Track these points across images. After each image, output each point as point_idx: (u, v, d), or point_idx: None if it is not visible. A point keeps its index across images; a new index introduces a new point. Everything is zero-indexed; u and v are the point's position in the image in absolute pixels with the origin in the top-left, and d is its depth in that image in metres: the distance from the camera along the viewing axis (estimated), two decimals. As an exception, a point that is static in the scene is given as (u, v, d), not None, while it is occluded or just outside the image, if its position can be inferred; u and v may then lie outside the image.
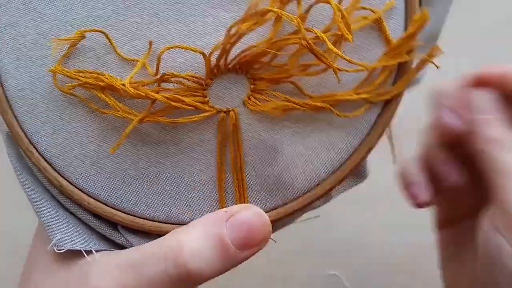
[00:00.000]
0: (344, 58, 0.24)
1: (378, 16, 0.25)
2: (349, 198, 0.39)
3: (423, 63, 0.25)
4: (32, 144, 0.26)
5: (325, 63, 0.24)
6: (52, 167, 0.26)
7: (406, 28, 0.26)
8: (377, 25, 0.25)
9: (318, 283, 0.44)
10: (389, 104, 0.26)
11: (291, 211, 0.27)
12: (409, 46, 0.25)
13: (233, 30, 0.24)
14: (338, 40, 0.24)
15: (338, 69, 0.24)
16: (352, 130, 0.26)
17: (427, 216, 0.43)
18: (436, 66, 0.26)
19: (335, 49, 0.23)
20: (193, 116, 0.25)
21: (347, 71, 0.25)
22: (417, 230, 0.44)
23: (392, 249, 0.44)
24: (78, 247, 0.26)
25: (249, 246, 0.25)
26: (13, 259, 0.41)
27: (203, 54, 0.25)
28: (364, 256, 0.44)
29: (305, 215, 0.29)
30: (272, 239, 0.28)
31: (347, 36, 0.23)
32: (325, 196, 0.27)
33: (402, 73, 0.26)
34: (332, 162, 0.27)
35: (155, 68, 0.25)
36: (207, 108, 0.25)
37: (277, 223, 0.27)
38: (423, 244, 0.43)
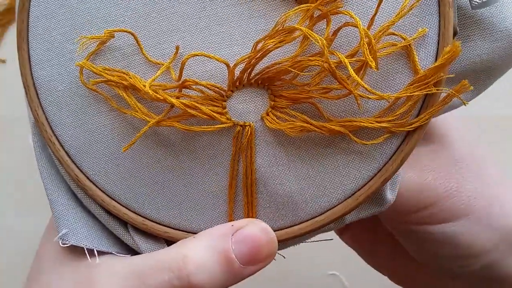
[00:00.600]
0: (363, 86, 0.23)
1: (408, 43, 0.24)
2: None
3: (449, 97, 0.24)
4: (54, 134, 0.26)
5: (346, 88, 0.24)
6: (71, 160, 0.27)
7: (436, 59, 0.25)
8: (407, 53, 0.25)
9: (318, 283, 0.44)
10: (410, 136, 0.25)
11: (300, 233, 0.26)
12: (437, 77, 0.24)
13: (259, 45, 0.24)
14: (363, 66, 0.24)
15: (360, 96, 0.24)
16: (369, 159, 0.26)
17: None
18: (464, 102, 0.25)
19: (355, 76, 0.23)
20: (209, 126, 0.25)
21: (369, 98, 0.24)
22: None
23: None
24: (81, 244, 0.26)
25: (254, 262, 0.25)
26: (17, 260, 0.42)
27: (227, 65, 0.25)
28: None
29: (318, 237, 0.28)
30: (281, 255, 0.27)
31: (370, 63, 0.23)
32: (337, 221, 0.27)
33: (428, 105, 0.25)
34: (345, 189, 0.26)
35: (178, 74, 0.25)
36: (224, 119, 0.25)
37: (285, 242, 0.27)
38: None
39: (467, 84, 0.23)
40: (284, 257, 0.28)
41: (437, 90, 0.24)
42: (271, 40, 0.24)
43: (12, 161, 0.42)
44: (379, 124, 0.24)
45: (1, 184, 0.43)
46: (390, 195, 0.27)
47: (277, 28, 0.24)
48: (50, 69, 0.26)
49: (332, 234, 0.29)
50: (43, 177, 0.27)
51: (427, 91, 0.24)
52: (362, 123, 0.24)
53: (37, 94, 0.27)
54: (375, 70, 0.24)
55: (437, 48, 0.25)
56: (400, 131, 0.25)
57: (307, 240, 0.29)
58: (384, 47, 0.24)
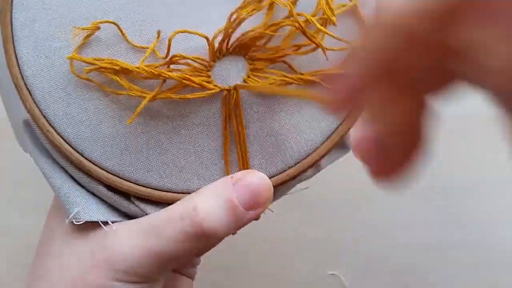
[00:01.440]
0: (331, 35, 0.28)
1: (354, 3, 0.29)
2: (349, 198, 0.41)
3: None
4: (52, 126, 0.28)
5: (314, 42, 0.28)
6: (72, 147, 0.28)
7: None
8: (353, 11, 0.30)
9: (318, 283, 0.44)
10: None
11: (290, 176, 0.30)
12: None
13: (233, 17, 0.28)
14: (324, 23, 0.28)
15: (326, 48, 0.28)
16: None
17: (427, 216, 0.45)
18: None
19: (323, 29, 0.27)
20: (201, 92, 0.28)
21: (333, 49, 0.29)
22: (418, 230, 0.45)
23: (392, 249, 0.45)
24: (95, 218, 0.28)
25: (254, 206, 0.28)
26: (17, 259, 0.42)
27: (207, 38, 0.28)
28: (364, 256, 0.45)
29: (297, 187, 0.32)
30: (270, 209, 0.31)
31: (331, 18, 0.27)
32: (316, 165, 0.31)
33: None
34: (323, 132, 0.30)
35: (165, 52, 0.28)
36: (212, 86, 0.28)
37: (276, 190, 0.30)
38: (423, 244, 0.45)
39: None
40: (272, 211, 0.31)
41: None
42: (243, 10, 0.28)
43: (12, 161, 0.42)
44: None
45: (1, 184, 0.43)
46: (349, 140, 0.32)
47: None
48: (39, 67, 0.28)
49: (309, 183, 0.32)
50: (42, 168, 0.29)
51: None
52: (330, 71, 0.29)
53: (29, 92, 0.28)
54: (335, 25, 0.28)
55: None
56: None
57: (290, 192, 0.32)
58: (337, 8, 0.29)
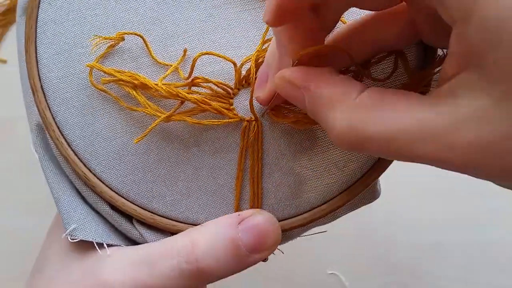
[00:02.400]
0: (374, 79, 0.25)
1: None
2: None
3: None
4: (62, 134, 0.27)
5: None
6: (79, 158, 0.27)
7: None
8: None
9: (318, 283, 0.44)
10: None
11: (302, 222, 0.27)
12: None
13: (265, 46, 0.26)
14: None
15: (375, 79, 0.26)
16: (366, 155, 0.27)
17: (427, 216, 0.44)
18: None
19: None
20: (217, 120, 0.26)
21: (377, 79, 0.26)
22: (418, 230, 0.45)
23: (392, 249, 0.45)
24: (90, 238, 0.26)
25: (259, 249, 0.26)
26: (17, 260, 0.42)
27: (234, 64, 0.26)
28: (364, 256, 0.45)
29: (312, 230, 0.30)
30: (280, 250, 0.29)
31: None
32: (334, 212, 0.28)
33: None
34: (344, 181, 0.27)
35: (188, 73, 0.26)
36: (232, 115, 0.26)
37: (286, 234, 0.28)
38: (423, 244, 0.44)
39: None
40: (283, 252, 0.29)
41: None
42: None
43: (12, 161, 0.42)
44: None
45: (1, 184, 0.43)
46: (379, 186, 0.29)
47: None
48: (58, 72, 0.27)
49: (326, 226, 0.30)
50: (47, 176, 0.28)
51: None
52: None
53: (44, 96, 0.27)
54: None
55: None
56: None
57: (303, 234, 0.30)
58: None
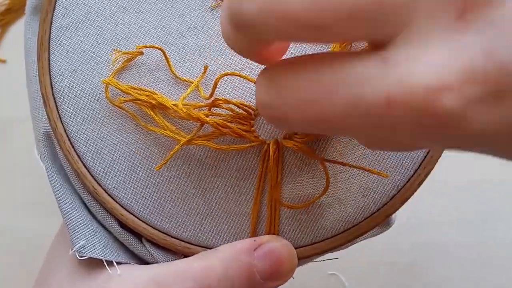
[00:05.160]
0: None
1: None
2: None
3: None
4: (73, 147, 0.26)
5: None
6: (90, 173, 0.26)
7: None
8: None
9: (318, 283, 0.44)
10: (429, 157, 0.27)
11: (319, 251, 0.27)
12: None
13: None
14: None
15: None
16: (389, 180, 0.27)
17: (428, 216, 0.44)
18: None
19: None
20: (239, 145, 0.25)
21: None
22: (418, 230, 0.44)
23: (392, 249, 0.45)
24: (100, 256, 0.26)
25: (274, 277, 0.25)
26: (17, 260, 0.41)
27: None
28: (364, 256, 0.44)
29: (326, 256, 0.29)
30: (292, 277, 0.28)
31: None
32: (353, 240, 0.28)
33: None
34: (365, 209, 0.27)
35: (210, 92, 0.25)
36: (252, 138, 0.26)
37: (301, 261, 0.28)
38: (424, 244, 0.44)
39: None
40: (293, 278, 0.28)
41: None
42: None
43: (12, 161, 0.41)
44: None
45: (1, 184, 0.42)
46: (392, 219, 0.29)
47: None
48: (72, 81, 0.26)
49: (338, 253, 0.29)
50: (55, 189, 0.27)
51: None
52: None
53: (56, 105, 0.26)
54: None
55: None
56: None
57: (316, 259, 0.29)
58: None
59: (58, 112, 0.26)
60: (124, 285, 0.25)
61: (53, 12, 0.26)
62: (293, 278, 0.28)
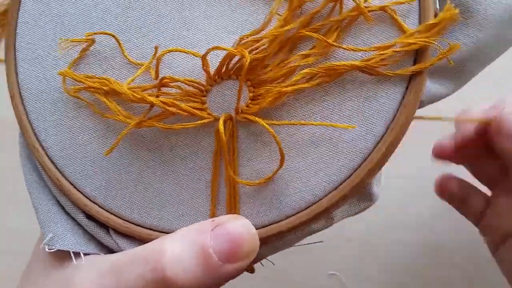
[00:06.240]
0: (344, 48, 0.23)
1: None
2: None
3: (441, 56, 0.23)
4: (38, 140, 0.27)
5: (329, 43, 0.23)
6: (54, 165, 0.27)
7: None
8: (391, 17, 0.23)
9: (318, 283, 0.43)
10: (396, 120, 0.24)
11: (284, 229, 0.25)
12: (428, 40, 0.23)
13: (243, 41, 0.24)
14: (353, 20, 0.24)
15: (349, 49, 0.23)
16: (353, 149, 0.24)
17: (428, 216, 0.44)
18: (450, 62, 0.24)
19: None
20: (190, 123, 0.24)
21: (357, 50, 0.23)
22: (418, 230, 0.43)
23: (392, 249, 0.44)
24: (67, 248, 0.26)
25: (233, 258, 0.23)
26: (17, 260, 0.43)
27: (203, 58, 0.24)
28: (364, 256, 0.44)
29: (307, 239, 0.27)
30: (271, 261, 0.26)
31: (367, 16, 0.23)
32: (325, 218, 0.25)
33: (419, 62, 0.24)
34: (329, 181, 0.24)
35: (155, 72, 0.25)
36: (204, 115, 0.25)
37: (272, 243, 0.26)
38: (423, 244, 0.44)
39: (457, 45, 0.23)
40: (273, 263, 0.27)
41: (431, 42, 0.22)
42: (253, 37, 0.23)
43: (12, 161, 0.43)
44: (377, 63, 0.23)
45: (1, 184, 0.44)
46: (376, 188, 0.26)
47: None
48: (34, 75, 0.27)
49: (322, 237, 0.27)
50: (27, 184, 0.28)
51: (422, 41, 0.22)
52: (355, 64, 0.23)
53: (22, 102, 0.27)
54: (370, 21, 0.23)
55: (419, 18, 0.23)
56: (394, 74, 0.23)
57: (296, 244, 0.27)
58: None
59: (24, 108, 0.27)
60: (88, 274, 0.25)
61: (18, 12, 0.27)
62: (273, 264, 0.27)
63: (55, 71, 0.26)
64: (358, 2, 0.23)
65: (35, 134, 0.27)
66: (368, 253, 0.44)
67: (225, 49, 0.23)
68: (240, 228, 0.24)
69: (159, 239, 0.25)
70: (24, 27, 0.27)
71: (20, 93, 0.27)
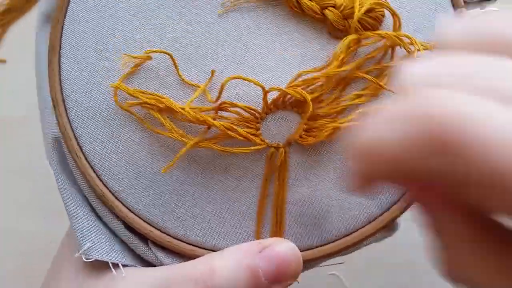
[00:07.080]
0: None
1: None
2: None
3: None
4: (81, 150, 0.26)
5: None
6: (97, 175, 0.27)
7: None
8: None
9: (318, 283, 0.43)
10: None
11: (324, 254, 0.27)
12: None
13: (301, 78, 0.25)
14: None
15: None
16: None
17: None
18: None
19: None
20: (245, 148, 0.26)
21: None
22: (418, 230, 0.45)
23: (392, 249, 0.44)
24: (106, 258, 0.26)
25: (279, 279, 0.25)
26: (19, 261, 0.41)
27: (263, 88, 0.25)
28: (364, 256, 0.42)
29: (330, 260, 0.29)
30: (296, 280, 0.28)
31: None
32: (359, 244, 0.28)
33: None
34: (371, 211, 0.27)
35: (216, 96, 0.25)
36: (258, 141, 0.26)
37: (306, 264, 0.28)
38: (423, 244, 0.44)
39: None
40: (298, 282, 0.28)
41: None
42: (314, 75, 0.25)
43: (12, 161, 0.41)
44: None
45: (1, 184, 0.42)
46: (397, 222, 0.29)
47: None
48: (82, 85, 0.26)
49: (343, 257, 0.29)
50: (63, 192, 0.27)
51: None
52: None
53: (65, 110, 0.26)
54: None
55: None
56: None
57: (321, 265, 0.29)
58: None
59: (67, 116, 0.26)
60: (128, 287, 0.25)
61: (65, 17, 0.26)
62: (298, 282, 0.29)
63: (104, 82, 0.26)
64: (410, 51, 0.26)
65: (78, 144, 0.26)
66: (368, 253, 0.42)
67: (286, 92, 0.25)
68: (286, 251, 0.25)
69: (207, 257, 0.26)
70: (74, 34, 0.26)
71: (63, 101, 0.26)
